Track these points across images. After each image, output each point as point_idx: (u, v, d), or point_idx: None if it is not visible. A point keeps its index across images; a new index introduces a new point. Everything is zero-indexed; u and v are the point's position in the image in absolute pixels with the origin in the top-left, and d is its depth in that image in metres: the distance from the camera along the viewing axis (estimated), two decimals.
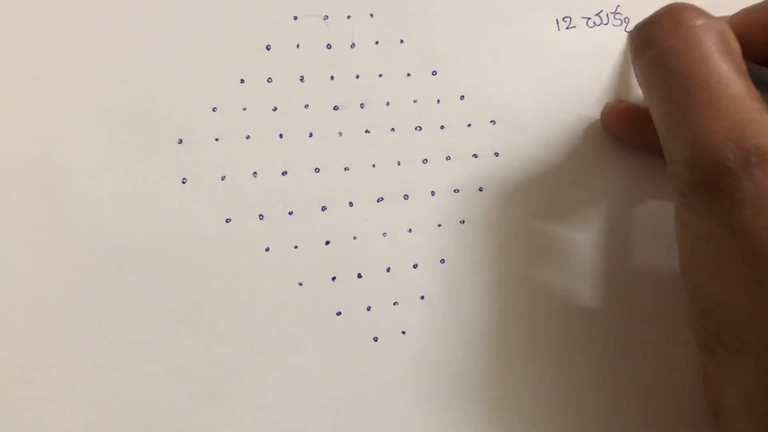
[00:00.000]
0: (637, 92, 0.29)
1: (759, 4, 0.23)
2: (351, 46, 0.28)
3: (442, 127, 0.28)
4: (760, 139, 0.19)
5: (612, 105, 0.28)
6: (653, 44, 0.21)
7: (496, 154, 0.28)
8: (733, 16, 0.23)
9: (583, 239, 0.28)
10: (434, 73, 0.28)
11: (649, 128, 0.23)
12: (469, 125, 0.28)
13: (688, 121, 0.20)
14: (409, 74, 0.28)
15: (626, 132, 0.28)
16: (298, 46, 0.27)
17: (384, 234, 0.27)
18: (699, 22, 0.21)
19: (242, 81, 0.27)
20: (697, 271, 0.21)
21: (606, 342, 0.27)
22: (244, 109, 0.27)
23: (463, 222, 0.28)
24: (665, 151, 0.21)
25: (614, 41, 0.29)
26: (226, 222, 0.26)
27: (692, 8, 0.21)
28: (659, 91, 0.21)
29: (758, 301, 0.19)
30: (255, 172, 0.27)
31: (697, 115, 0.19)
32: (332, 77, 0.28)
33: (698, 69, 0.20)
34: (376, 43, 0.28)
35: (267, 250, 0.27)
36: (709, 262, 0.20)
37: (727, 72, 0.20)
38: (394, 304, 0.27)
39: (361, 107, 0.28)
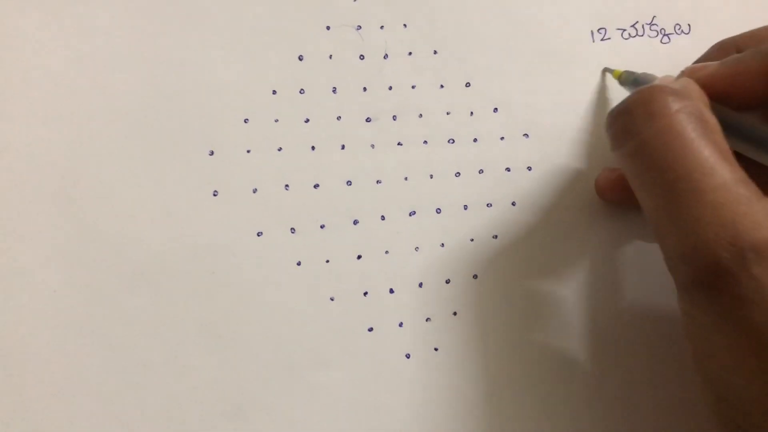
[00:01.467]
0: None
1: (747, 53, 0.22)
2: (384, 57, 0.27)
3: (475, 140, 0.28)
4: (753, 233, 0.18)
5: (604, 175, 0.27)
6: (630, 136, 0.21)
7: (529, 168, 0.28)
8: (721, 64, 0.23)
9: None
10: (468, 84, 0.28)
11: None
12: (502, 138, 0.28)
13: (677, 217, 0.19)
14: (442, 86, 0.28)
15: (622, 200, 0.27)
16: (330, 56, 0.27)
17: (416, 248, 0.27)
18: (674, 107, 0.20)
19: (274, 92, 0.26)
20: (708, 361, 0.20)
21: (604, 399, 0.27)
22: (276, 120, 0.26)
23: (496, 237, 0.27)
24: (659, 243, 0.21)
25: (650, 53, 0.29)
26: (258, 235, 0.26)
27: (664, 91, 0.20)
28: (643, 185, 0.21)
29: None
30: (287, 185, 0.26)
31: (685, 211, 0.19)
32: (365, 89, 0.27)
33: (679, 161, 0.19)
34: (410, 54, 0.27)
35: (298, 264, 0.26)
36: (718, 353, 0.20)
37: (709, 160, 0.19)
38: (427, 320, 0.27)
39: (394, 119, 0.27)
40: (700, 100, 0.21)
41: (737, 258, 0.18)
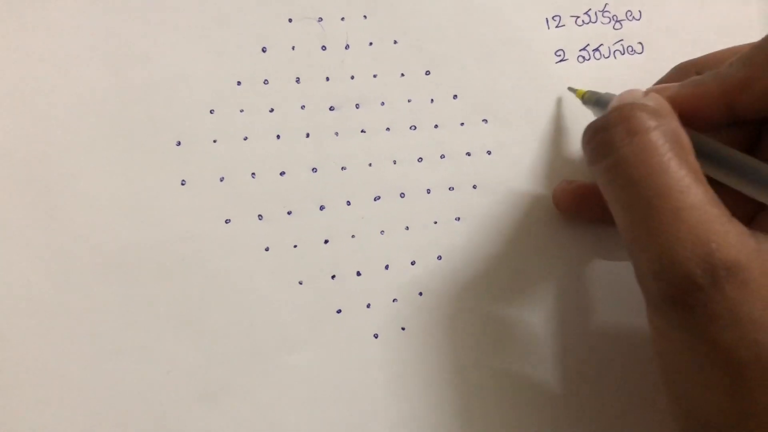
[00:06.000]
0: None
1: (706, 75, 0.23)
2: (345, 48, 0.28)
3: (436, 126, 0.29)
4: (725, 252, 0.19)
5: (562, 187, 0.28)
6: (608, 152, 0.21)
7: (489, 152, 0.29)
8: (681, 86, 0.23)
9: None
10: (428, 73, 0.29)
11: (600, 205, 0.23)
12: (462, 124, 0.29)
13: (652, 234, 0.20)
14: (403, 74, 0.28)
15: (579, 211, 0.28)
16: (293, 48, 0.28)
17: (382, 232, 0.28)
18: (651, 124, 0.20)
19: (239, 83, 0.27)
20: (677, 377, 0.21)
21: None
22: (242, 110, 0.27)
23: (459, 219, 0.28)
24: (632, 260, 0.21)
25: (603, 39, 0.30)
26: (226, 223, 0.27)
27: (643, 109, 0.21)
28: (619, 200, 0.21)
29: (742, 407, 0.19)
30: (253, 173, 0.27)
31: (661, 227, 0.19)
32: (327, 78, 0.28)
33: (657, 178, 0.20)
34: (370, 44, 0.28)
35: (266, 249, 0.27)
36: (688, 369, 0.20)
37: (685, 179, 0.20)
38: (393, 300, 0.28)
39: (357, 107, 0.28)
40: (674, 119, 0.21)
41: (710, 276, 0.19)
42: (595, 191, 0.26)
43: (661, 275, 0.19)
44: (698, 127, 0.22)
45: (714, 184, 0.21)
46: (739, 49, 0.24)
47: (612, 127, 0.21)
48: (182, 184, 0.27)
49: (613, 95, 0.26)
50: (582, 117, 0.29)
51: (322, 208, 0.27)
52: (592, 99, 0.27)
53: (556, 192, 0.28)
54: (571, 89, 0.29)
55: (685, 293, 0.19)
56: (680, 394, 0.21)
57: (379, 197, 0.28)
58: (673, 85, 0.24)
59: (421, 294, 0.28)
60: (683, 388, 0.21)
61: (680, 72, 0.27)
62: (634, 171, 0.20)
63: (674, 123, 0.21)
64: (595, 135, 0.22)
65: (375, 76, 0.28)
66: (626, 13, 0.30)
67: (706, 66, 0.25)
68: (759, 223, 0.22)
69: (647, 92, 0.23)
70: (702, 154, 0.21)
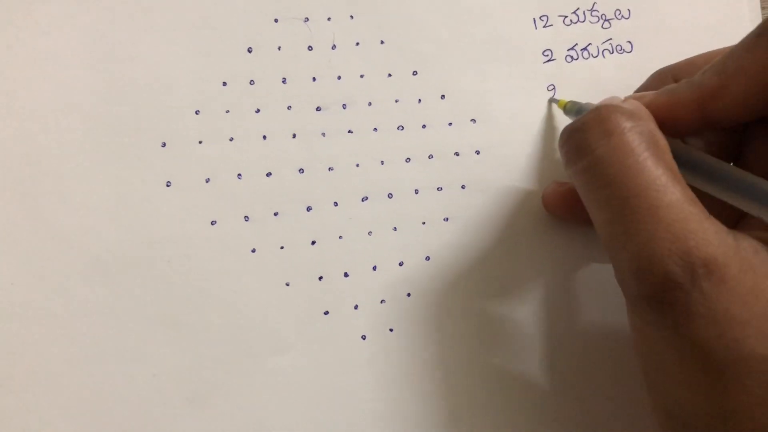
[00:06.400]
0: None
1: (680, 84, 0.23)
2: (332, 48, 0.28)
3: (423, 126, 0.28)
4: (704, 249, 0.19)
5: (552, 189, 0.28)
6: (585, 153, 0.21)
7: (477, 152, 0.29)
8: (657, 94, 0.24)
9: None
10: (415, 73, 0.28)
11: None
12: (450, 124, 0.29)
13: (630, 232, 0.20)
14: (390, 75, 0.28)
15: (568, 213, 0.28)
16: (279, 48, 0.28)
17: (369, 233, 0.28)
18: (627, 125, 0.21)
19: (224, 84, 0.27)
20: (657, 375, 0.21)
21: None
22: (227, 111, 0.27)
23: (447, 219, 0.28)
24: (610, 259, 0.21)
25: (591, 38, 0.30)
26: (212, 224, 0.27)
27: (619, 111, 0.21)
28: (597, 200, 0.21)
29: (721, 406, 0.19)
30: (239, 174, 0.27)
31: (638, 226, 0.19)
32: (314, 79, 0.28)
33: (634, 178, 0.20)
34: (357, 44, 0.28)
35: (253, 251, 0.27)
36: (667, 368, 0.20)
37: (661, 178, 0.20)
38: (381, 301, 0.27)
39: (344, 108, 0.28)
40: (651, 122, 0.22)
41: (688, 273, 0.19)
42: None
43: (639, 274, 0.19)
44: (674, 134, 0.23)
45: (696, 193, 0.21)
46: (715, 54, 0.24)
47: (589, 128, 0.21)
48: (167, 186, 0.26)
49: (594, 104, 0.26)
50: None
51: (309, 208, 0.27)
52: (573, 109, 0.27)
53: (546, 193, 0.28)
54: (552, 100, 0.29)
55: (663, 291, 0.19)
56: (660, 392, 0.21)
57: (366, 198, 0.28)
58: (650, 93, 0.24)
59: (409, 295, 0.28)
60: (663, 386, 0.21)
61: (658, 78, 0.27)
62: (611, 170, 0.20)
63: (651, 125, 0.21)
64: (571, 136, 0.22)
65: (362, 76, 0.28)
66: (615, 12, 0.30)
67: (684, 72, 0.25)
68: (741, 231, 0.22)
69: (625, 99, 0.24)
70: (680, 162, 0.21)
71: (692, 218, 0.19)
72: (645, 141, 0.20)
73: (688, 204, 0.19)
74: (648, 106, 0.23)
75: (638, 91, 0.28)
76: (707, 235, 0.19)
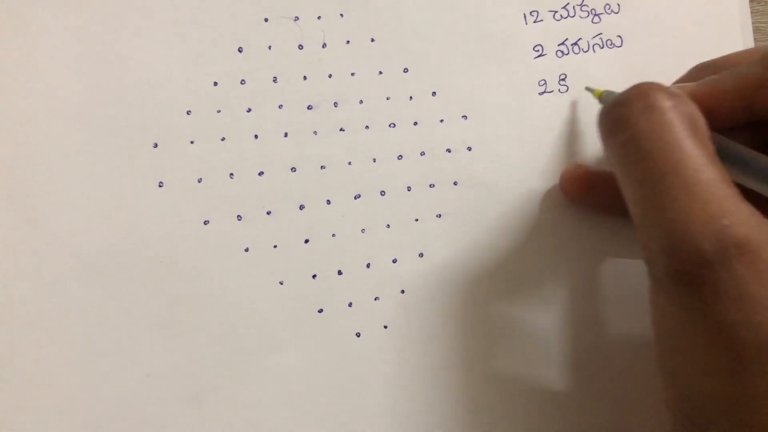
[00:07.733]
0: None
1: (723, 74, 0.23)
2: (322, 46, 0.28)
3: (415, 124, 0.28)
4: (738, 230, 0.19)
5: (570, 170, 0.28)
6: (625, 127, 0.21)
7: (469, 149, 0.29)
8: (698, 85, 0.23)
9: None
10: (405, 70, 0.29)
11: (608, 192, 0.22)
12: (442, 121, 0.29)
13: (665, 208, 0.19)
14: (380, 72, 0.28)
15: (586, 197, 0.28)
16: (269, 47, 0.28)
17: (362, 230, 0.28)
18: (669, 103, 0.21)
19: (215, 83, 0.27)
20: (675, 358, 0.21)
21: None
22: (219, 111, 0.27)
23: (440, 216, 0.28)
24: (639, 237, 0.21)
25: (581, 33, 0.30)
26: (204, 224, 0.27)
27: (661, 89, 0.21)
28: (633, 175, 0.21)
29: (740, 390, 0.18)
30: (231, 174, 0.27)
31: (673, 203, 0.19)
32: (305, 77, 0.28)
33: (672, 154, 0.20)
34: (347, 42, 0.28)
35: (246, 250, 0.27)
36: (688, 350, 0.20)
37: (700, 157, 0.20)
38: (375, 299, 0.27)
39: (335, 106, 0.28)
40: (692, 104, 0.21)
41: (720, 253, 0.18)
42: (604, 178, 0.26)
43: (670, 250, 0.19)
44: (715, 126, 0.22)
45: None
46: (755, 51, 0.24)
47: (630, 103, 0.21)
48: (160, 186, 0.26)
49: None
50: (564, 112, 0.29)
51: (301, 207, 0.27)
52: (609, 98, 0.27)
53: (564, 176, 0.28)
54: (588, 89, 0.28)
55: (693, 269, 0.19)
56: (676, 377, 0.21)
57: (359, 195, 0.28)
58: (691, 84, 0.24)
59: (403, 292, 0.28)
60: (680, 370, 0.20)
61: (698, 71, 0.27)
62: (649, 146, 0.20)
63: (692, 106, 0.21)
64: (612, 110, 0.22)
65: (353, 74, 0.28)
66: (605, 7, 0.30)
67: (723, 67, 0.25)
68: None
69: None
70: (718, 151, 0.21)
71: (728, 199, 0.19)
72: (685, 120, 0.20)
73: (725, 185, 0.19)
74: (690, 95, 0.22)
75: (677, 82, 0.27)
76: (742, 216, 0.19)
